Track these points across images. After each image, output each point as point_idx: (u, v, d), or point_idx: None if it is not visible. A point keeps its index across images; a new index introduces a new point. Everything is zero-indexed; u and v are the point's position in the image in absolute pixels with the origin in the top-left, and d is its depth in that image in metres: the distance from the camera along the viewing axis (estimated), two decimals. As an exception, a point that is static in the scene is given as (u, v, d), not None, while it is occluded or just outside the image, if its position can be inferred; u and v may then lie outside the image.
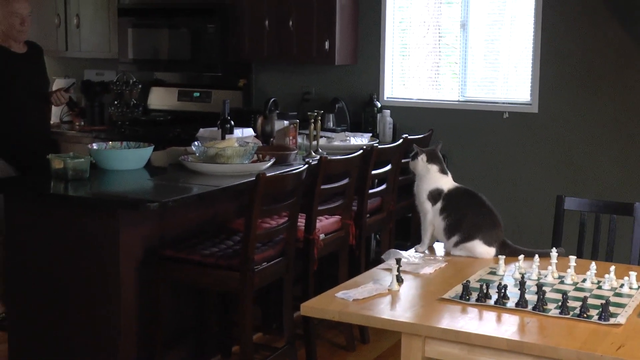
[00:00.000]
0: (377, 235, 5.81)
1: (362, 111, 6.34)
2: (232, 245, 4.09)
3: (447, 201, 3.44)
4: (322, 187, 4.41)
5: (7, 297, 4.28)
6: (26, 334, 4.13)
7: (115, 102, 6.87)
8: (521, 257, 3.21)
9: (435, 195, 3.46)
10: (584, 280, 3.03)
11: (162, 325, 4.05)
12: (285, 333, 4.37)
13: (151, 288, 4.00)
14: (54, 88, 7.25)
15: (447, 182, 3.50)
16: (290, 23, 6.28)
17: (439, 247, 3.50)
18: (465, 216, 3.38)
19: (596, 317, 2.64)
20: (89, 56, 7.24)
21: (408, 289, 2.99)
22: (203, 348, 4.46)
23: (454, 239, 3.39)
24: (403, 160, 5.25)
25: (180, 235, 4.18)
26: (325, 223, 4.58)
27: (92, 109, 7.02)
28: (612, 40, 5.69)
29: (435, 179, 3.49)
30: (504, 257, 3.21)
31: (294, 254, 4.24)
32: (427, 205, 3.47)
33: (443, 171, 3.51)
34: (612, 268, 3.04)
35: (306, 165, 4.29)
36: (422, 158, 3.51)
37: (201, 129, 5.17)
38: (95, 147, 4.57)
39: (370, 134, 6.01)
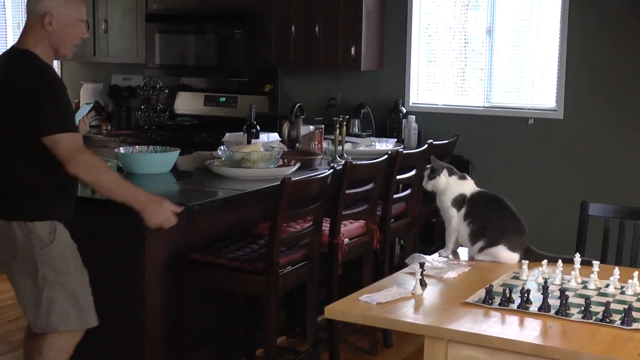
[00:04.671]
0: (402, 240, 5.82)
1: (387, 117, 6.36)
2: (257, 249, 4.12)
3: (471, 206, 3.45)
4: (347, 191, 4.44)
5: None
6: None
7: (142, 107, 6.93)
8: (544, 262, 3.21)
9: (460, 201, 3.48)
10: (607, 286, 3.03)
11: (187, 328, 4.08)
12: (309, 336, 4.39)
13: (177, 291, 4.04)
14: (82, 92, 7.38)
15: (468, 187, 3.52)
16: (317, 29, 6.31)
17: (463, 252, 3.52)
18: (489, 221, 3.39)
19: (619, 322, 2.64)
20: (116, 61, 7.31)
21: (431, 293, 3.00)
22: (228, 351, 4.49)
23: (479, 244, 3.40)
24: (428, 166, 5.26)
25: (206, 239, 4.21)
26: (349, 228, 4.60)
27: (119, 113, 7.12)
28: (639, 47, 5.67)
29: (456, 185, 3.51)
30: (527, 262, 3.21)
31: (318, 258, 4.26)
32: (452, 211, 3.49)
33: (462, 177, 3.54)
34: (636, 273, 3.03)
35: (331, 170, 4.31)
36: (444, 174, 3.53)
37: (227, 134, 5.20)
38: (122, 151, 4.62)
39: (396, 140, 6.03)
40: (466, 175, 3.57)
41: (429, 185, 3.59)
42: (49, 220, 3.41)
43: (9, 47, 3.60)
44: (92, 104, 4.73)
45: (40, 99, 3.34)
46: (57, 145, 3.31)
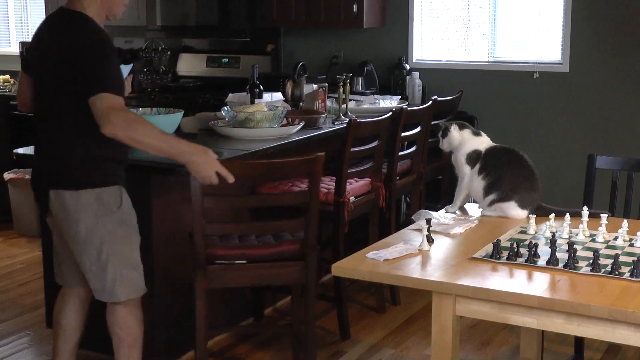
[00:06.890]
0: (408, 198, 5.81)
1: (390, 74, 6.32)
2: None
3: (486, 160, 3.41)
4: (352, 149, 4.41)
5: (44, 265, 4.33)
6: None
7: (145, 69, 6.87)
8: (552, 216, 3.19)
9: (474, 157, 3.43)
10: (615, 238, 3.01)
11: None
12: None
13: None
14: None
15: (483, 142, 3.47)
16: (318, -14, 6.26)
17: (470, 208, 3.50)
18: (504, 174, 3.34)
19: (628, 274, 2.63)
20: (117, 24, 7.22)
21: (438, 249, 2.99)
22: (237, 311, 4.50)
23: (490, 197, 3.35)
24: (432, 122, 5.23)
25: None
26: (355, 186, 4.58)
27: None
28: (644, -3, 5.62)
29: (471, 141, 3.47)
30: (534, 216, 3.19)
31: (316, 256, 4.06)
32: (466, 168, 3.45)
33: (476, 133, 3.50)
34: (644, 225, 3.02)
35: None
36: (455, 128, 3.49)
37: (230, 94, 5.18)
38: (125, 113, 4.57)
39: (400, 97, 5.99)
40: (481, 132, 3.53)
41: (444, 145, 3.54)
42: (117, 186, 3.36)
43: (58, 9, 3.43)
44: (131, 66, 4.29)
45: (91, 60, 3.19)
46: (95, 103, 3.12)
